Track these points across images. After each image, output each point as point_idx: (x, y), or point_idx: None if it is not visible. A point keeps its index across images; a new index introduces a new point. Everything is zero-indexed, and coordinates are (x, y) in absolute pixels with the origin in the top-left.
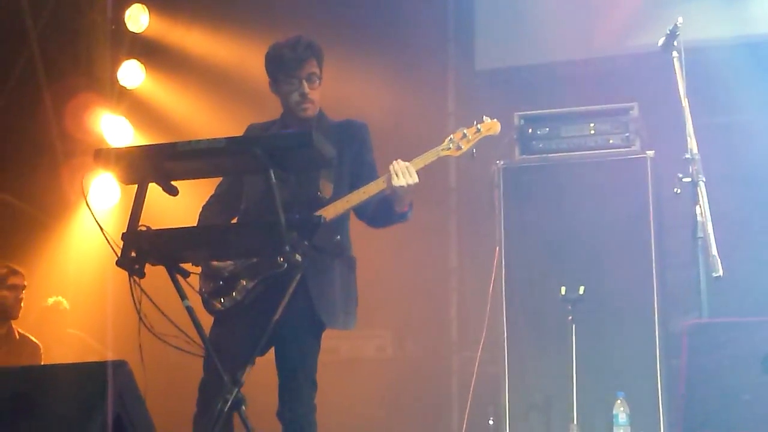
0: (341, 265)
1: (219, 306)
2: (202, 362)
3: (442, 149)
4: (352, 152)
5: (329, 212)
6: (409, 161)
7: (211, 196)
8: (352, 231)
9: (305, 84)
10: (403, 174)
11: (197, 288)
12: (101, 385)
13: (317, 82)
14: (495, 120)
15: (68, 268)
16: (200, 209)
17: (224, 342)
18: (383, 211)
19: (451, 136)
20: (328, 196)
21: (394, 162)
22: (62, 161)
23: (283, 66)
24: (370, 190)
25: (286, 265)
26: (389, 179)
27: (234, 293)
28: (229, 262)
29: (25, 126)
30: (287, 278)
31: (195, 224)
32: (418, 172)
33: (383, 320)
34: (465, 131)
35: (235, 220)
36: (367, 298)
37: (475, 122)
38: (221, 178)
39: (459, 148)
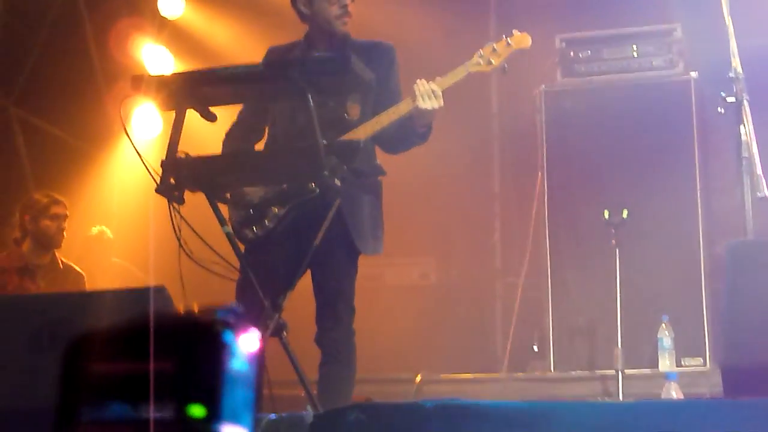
0: (370, 191)
1: (251, 234)
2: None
3: (472, 65)
4: (378, 77)
5: (359, 134)
6: (441, 77)
7: (234, 123)
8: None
9: None
10: (429, 97)
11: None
12: (140, 311)
13: None
14: (525, 33)
15: (112, 197)
16: (224, 137)
17: (260, 269)
18: (403, 133)
19: (480, 51)
20: (356, 118)
21: (419, 82)
22: (104, 90)
23: None
24: (401, 109)
25: (317, 190)
26: (415, 100)
27: (266, 221)
28: (258, 189)
29: (68, 56)
30: (320, 204)
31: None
32: (455, 92)
33: (427, 247)
34: (495, 46)
35: (259, 146)
36: (411, 224)
37: (504, 36)
38: (242, 105)
39: (489, 63)
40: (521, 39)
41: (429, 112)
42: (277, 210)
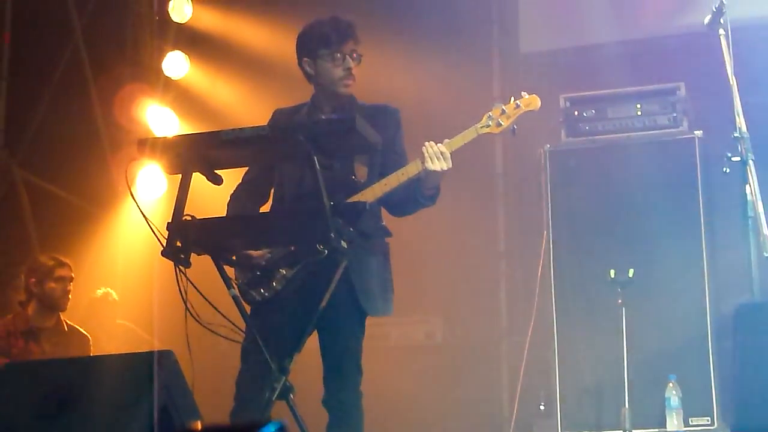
0: (377, 252)
1: (258, 296)
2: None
3: (481, 126)
4: (384, 139)
5: (367, 196)
6: (449, 139)
7: (239, 185)
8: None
9: (349, 59)
10: (438, 158)
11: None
12: (147, 376)
13: (358, 59)
14: (534, 95)
15: (116, 259)
16: (228, 198)
17: (266, 331)
18: (411, 196)
19: (490, 113)
20: (363, 180)
21: (427, 144)
22: (109, 152)
23: (327, 41)
24: (409, 171)
25: (326, 252)
26: (424, 161)
27: (274, 283)
28: (265, 251)
29: (72, 118)
30: (328, 265)
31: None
32: (460, 152)
33: (432, 306)
34: (504, 107)
35: (264, 208)
36: (416, 284)
37: (512, 98)
38: (248, 167)
39: (499, 124)
40: (530, 101)
41: (437, 174)
42: (284, 272)
